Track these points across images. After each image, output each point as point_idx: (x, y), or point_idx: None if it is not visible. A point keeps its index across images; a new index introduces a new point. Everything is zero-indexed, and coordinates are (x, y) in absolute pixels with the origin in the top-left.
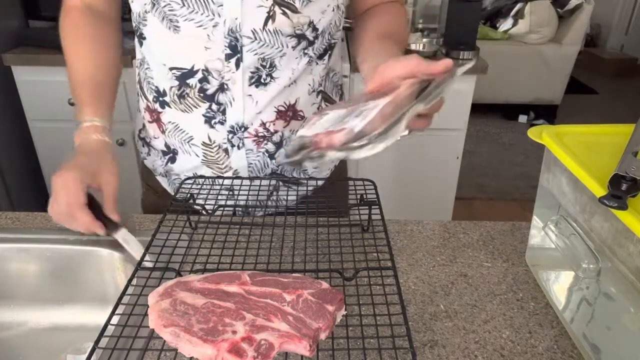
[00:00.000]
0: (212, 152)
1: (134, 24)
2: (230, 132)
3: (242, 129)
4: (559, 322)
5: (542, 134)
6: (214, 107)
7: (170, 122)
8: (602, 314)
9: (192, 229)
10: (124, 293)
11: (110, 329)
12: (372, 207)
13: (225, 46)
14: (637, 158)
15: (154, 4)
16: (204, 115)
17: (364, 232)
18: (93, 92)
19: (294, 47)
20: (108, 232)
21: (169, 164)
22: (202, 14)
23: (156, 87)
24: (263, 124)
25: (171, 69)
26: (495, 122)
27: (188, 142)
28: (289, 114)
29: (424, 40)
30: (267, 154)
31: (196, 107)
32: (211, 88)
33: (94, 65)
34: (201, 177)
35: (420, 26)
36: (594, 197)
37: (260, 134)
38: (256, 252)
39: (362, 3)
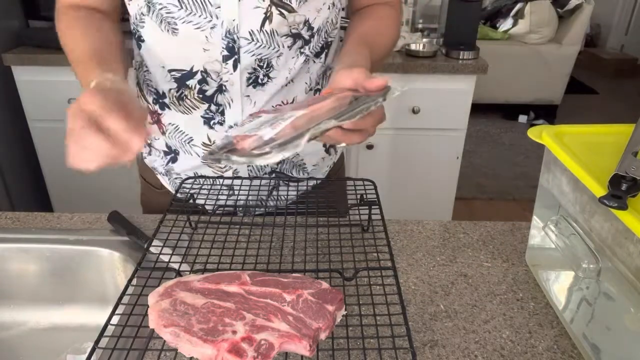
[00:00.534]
0: None
1: (132, 27)
2: None
3: None
4: (559, 322)
5: (542, 134)
6: (213, 107)
7: (170, 123)
8: (602, 314)
9: (192, 229)
10: (124, 293)
11: (110, 329)
12: (372, 207)
13: (223, 48)
14: (637, 158)
15: (149, 7)
16: (202, 117)
17: (364, 232)
18: (97, 58)
19: (290, 47)
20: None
21: (170, 163)
22: (199, 16)
23: (155, 89)
24: None
25: (170, 70)
26: (495, 122)
27: (188, 142)
28: None
29: (424, 40)
30: None
31: (195, 109)
32: (210, 89)
33: (93, 40)
34: (201, 176)
35: (420, 26)
36: (594, 197)
37: None
38: (256, 252)
39: (356, 3)
